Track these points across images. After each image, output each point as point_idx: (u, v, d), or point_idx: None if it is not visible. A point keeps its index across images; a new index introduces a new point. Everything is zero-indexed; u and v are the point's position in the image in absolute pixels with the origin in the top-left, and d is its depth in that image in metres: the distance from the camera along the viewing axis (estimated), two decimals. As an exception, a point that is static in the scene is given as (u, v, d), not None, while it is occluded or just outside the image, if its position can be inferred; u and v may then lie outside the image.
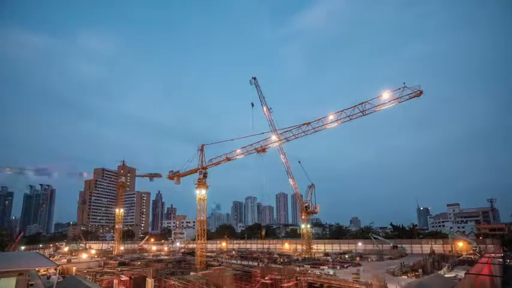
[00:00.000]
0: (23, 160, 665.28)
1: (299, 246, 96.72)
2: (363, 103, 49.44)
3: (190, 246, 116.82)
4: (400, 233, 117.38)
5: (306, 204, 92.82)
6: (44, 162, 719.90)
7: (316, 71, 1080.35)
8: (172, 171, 76.24)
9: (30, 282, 25.70)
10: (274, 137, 61.66)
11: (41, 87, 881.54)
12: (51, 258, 65.58)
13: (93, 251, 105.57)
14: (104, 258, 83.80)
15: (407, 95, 45.63)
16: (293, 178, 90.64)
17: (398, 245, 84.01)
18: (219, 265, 60.95)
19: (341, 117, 51.77)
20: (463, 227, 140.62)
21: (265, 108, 79.47)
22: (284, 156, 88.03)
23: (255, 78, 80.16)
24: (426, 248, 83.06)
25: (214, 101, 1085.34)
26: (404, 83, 45.50)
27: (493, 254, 52.71)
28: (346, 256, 74.74)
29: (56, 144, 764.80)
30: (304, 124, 56.32)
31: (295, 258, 75.60)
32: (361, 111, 49.68)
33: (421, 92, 44.88)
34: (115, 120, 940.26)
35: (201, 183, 66.74)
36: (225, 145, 69.59)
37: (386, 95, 47.55)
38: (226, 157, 66.53)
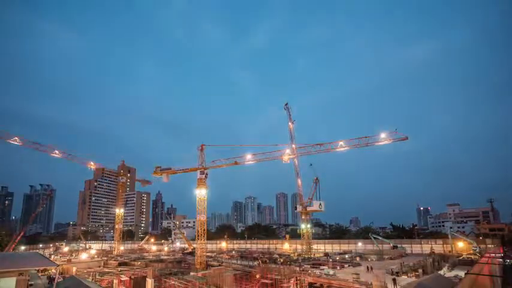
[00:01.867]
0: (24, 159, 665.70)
1: (299, 246, 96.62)
2: (366, 137, 61.00)
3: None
4: (400, 233, 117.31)
5: (308, 203, 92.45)
6: (44, 161, 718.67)
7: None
8: (159, 167, 71.47)
9: (30, 282, 25.68)
10: (288, 151, 68.33)
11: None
12: (51, 258, 65.61)
13: (93, 251, 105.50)
14: (105, 258, 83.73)
15: (397, 139, 58.83)
16: (301, 178, 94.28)
17: (398, 245, 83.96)
18: (219, 265, 60.88)
19: (348, 145, 63.25)
20: (463, 227, 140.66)
21: (291, 124, 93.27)
22: (297, 159, 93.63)
23: (286, 104, 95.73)
24: (426, 248, 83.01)
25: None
26: (396, 129, 58.27)
27: (493, 254, 52.67)
28: (346, 256, 74.67)
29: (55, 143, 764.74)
30: (317, 144, 65.68)
31: (295, 258, 75.52)
32: (365, 144, 61.90)
33: (406, 138, 57.70)
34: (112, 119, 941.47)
35: (201, 183, 66.68)
36: (227, 148, 70.87)
37: (383, 135, 59.85)
38: (235, 161, 67.33)
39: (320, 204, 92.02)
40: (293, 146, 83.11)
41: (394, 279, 37.51)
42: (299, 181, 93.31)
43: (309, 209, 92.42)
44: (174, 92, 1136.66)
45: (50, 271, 50.15)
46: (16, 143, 70.50)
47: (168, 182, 72.23)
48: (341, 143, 63.33)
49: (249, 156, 67.08)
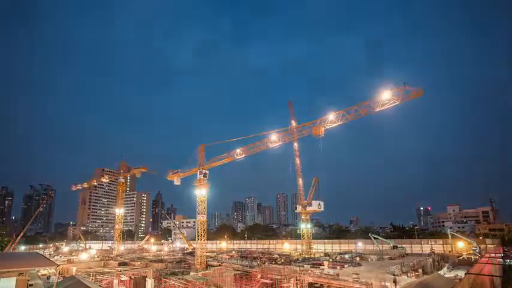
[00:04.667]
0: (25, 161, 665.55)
1: (299, 246, 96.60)
2: (362, 103, 48.95)
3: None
4: (400, 233, 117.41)
5: (308, 202, 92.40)
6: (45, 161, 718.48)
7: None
8: (172, 170, 75.63)
9: (30, 282, 25.65)
10: (273, 137, 60.55)
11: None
12: (51, 258, 65.58)
13: (93, 251, 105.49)
14: (105, 258, 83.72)
15: (407, 94, 45.38)
16: (302, 178, 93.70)
17: (398, 245, 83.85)
18: (219, 265, 60.88)
19: (340, 117, 51.34)
20: (463, 227, 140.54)
21: (293, 122, 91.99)
22: (298, 158, 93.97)
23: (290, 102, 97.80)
24: (426, 248, 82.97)
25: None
26: (404, 83, 45.31)
27: (493, 254, 52.67)
28: (346, 256, 74.62)
29: (54, 143, 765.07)
30: (303, 125, 56.24)
31: (295, 258, 75.52)
32: (362, 112, 49.30)
33: (421, 92, 44.58)
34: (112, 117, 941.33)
35: (201, 183, 66.64)
36: (226, 145, 69.75)
37: (386, 95, 46.44)
38: (227, 157, 66.14)
39: (319, 204, 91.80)
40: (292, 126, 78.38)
41: (394, 280, 37.51)
42: (300, 180, 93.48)
43: (308, 209, 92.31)
44: (175, 92, 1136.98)
45: (49, 271, 50.16)
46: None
47: (180, 184, 73.80)
48: (331, 117, 51.30)
49: (238, 151, 63.90)
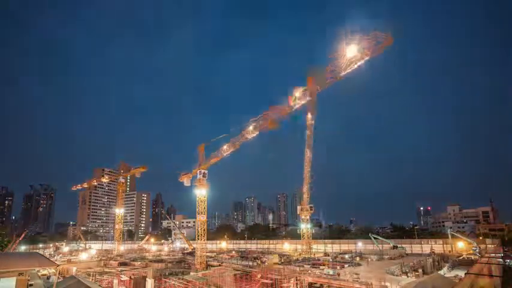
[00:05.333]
0: (26, 161, 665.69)
1: (299, 246, 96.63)
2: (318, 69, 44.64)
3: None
4: (400, 233, 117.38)
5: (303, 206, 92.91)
6: (45, 163, 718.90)
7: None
8: (183, 172, 75.91)
9: (30, 282, 25.67)
10: (251, 128, 59.70)
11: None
12: (51, 258, 65.56)
13: (93, 251, 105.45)
14: (105, 258, 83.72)
15: (376, 45, 37.70)
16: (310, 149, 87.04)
17: (398, 245, 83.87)
18: (219, 265, 60.91)
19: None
20: (463, 227, 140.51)
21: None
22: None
23: None
24: (426, 248, 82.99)
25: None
26: (374, 29, 37.92)
27: (493, 254, 52.72)
28: (346, 256, 74.65)
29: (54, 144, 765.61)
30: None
31: (295, 258, 75.52)
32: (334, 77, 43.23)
33: (391, 40, 37.27)
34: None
35: (200, 183, 66.65)
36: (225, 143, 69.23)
37: (353, 49, 38.21)
38: (216, 156, 65.77)
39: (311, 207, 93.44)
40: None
41: None
42: (307, 151, 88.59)
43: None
44: (174, 92, 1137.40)
45: (49, 271, 50.14)
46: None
47: (189, 185, 73.19)
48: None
49: (225, 147, 64.07)
